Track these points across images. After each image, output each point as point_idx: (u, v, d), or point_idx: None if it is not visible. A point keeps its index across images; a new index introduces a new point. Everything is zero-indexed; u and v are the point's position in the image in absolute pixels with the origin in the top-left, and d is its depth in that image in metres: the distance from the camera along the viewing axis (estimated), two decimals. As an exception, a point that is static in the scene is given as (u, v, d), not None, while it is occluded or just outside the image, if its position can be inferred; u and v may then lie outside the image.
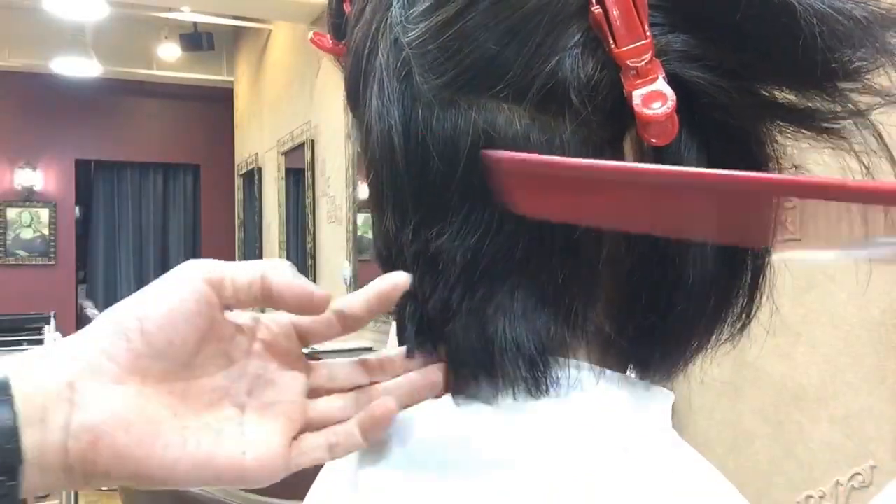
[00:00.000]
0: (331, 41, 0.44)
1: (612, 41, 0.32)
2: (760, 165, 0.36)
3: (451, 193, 0.34)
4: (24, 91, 6.39)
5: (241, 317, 0.36)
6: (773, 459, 1.74)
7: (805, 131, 0.35)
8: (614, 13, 0.32)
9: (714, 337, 0.39)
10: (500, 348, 0.34)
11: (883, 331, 1.49)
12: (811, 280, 1.61)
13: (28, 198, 6.56)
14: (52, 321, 4.26)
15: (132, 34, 6.02)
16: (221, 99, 6.79)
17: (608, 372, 0.36)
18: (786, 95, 0.34)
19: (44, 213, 6.60)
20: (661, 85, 0.32)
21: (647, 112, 0.32)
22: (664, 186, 0.29)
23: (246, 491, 1.09)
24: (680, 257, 0.35)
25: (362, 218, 3.93)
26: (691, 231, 0.31)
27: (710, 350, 0.39)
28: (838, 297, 1.58)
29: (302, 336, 0.37)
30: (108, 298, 6.91)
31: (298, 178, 4.83)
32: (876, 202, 0.27)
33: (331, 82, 4.14)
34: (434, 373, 0.36)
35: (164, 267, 7.05)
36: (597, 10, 0.32)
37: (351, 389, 0.38)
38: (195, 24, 5.64)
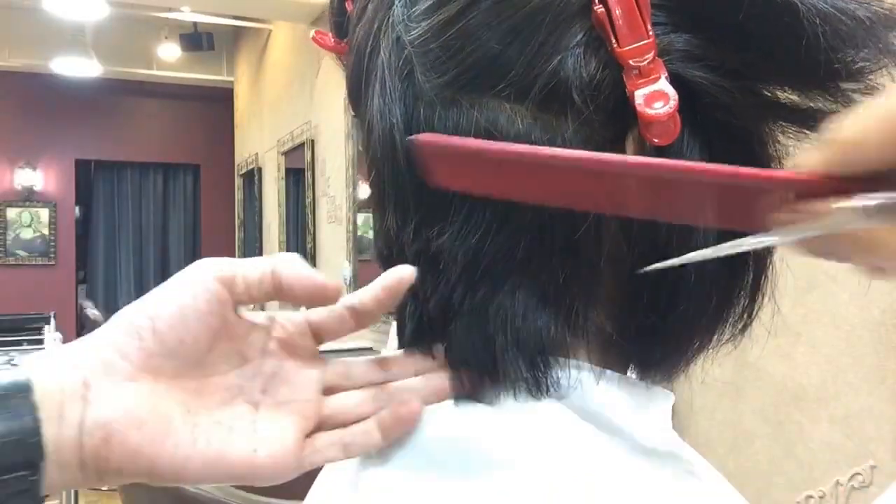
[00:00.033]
0: (333, 40, 0.44)
1: (614, 40, 0.32)
2: (763, 166, 0.36)
3: (452, 193, 0.34)
4: (24, 91, 6.39)
5: (256, 316, 0.36)
6: (774, 459, 1.74)
7: (807, 132, 0.35)
8: (617, 12, 0.32)
9: (715, 337, 0.39)
10: (501, 348, 0.34)
11: (883, 331, 1.49)
12: (812, 280, 1.61)
13: (28, 198, 6.56)
14: (52, 321, 4.26)
15: (132, 34, 6.02)
16: (221, 99, 6.79)
17: (608, 372, 0.36)
18: (788, 96, 0.34)
19: (44, 213, 6.60)
20: (664, 84, 0.32)
21: (650, 112, 0.32)
22: (541, 166, 0.30)
23: (246, 491, 1.09)
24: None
25: (362, 218, 3.93)
26: (583, 205, 0.32)
27: (711, 350, 0.39)
28: (840, 297, 1.58)
29: (316, 334, 0.37)
30: (108, 298, 6.91)
31: (298, 178, 4.83)
32: (736, 186, 0.28)
33: (331, 82, 4.14)
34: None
35: (163, 267, 7.07)
36: (599, 9, 0.32)
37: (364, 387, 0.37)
38: (195, 24, 5.64)
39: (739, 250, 0.29)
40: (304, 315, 0.37)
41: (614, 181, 0.30)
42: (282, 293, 0.35)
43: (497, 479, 0.33)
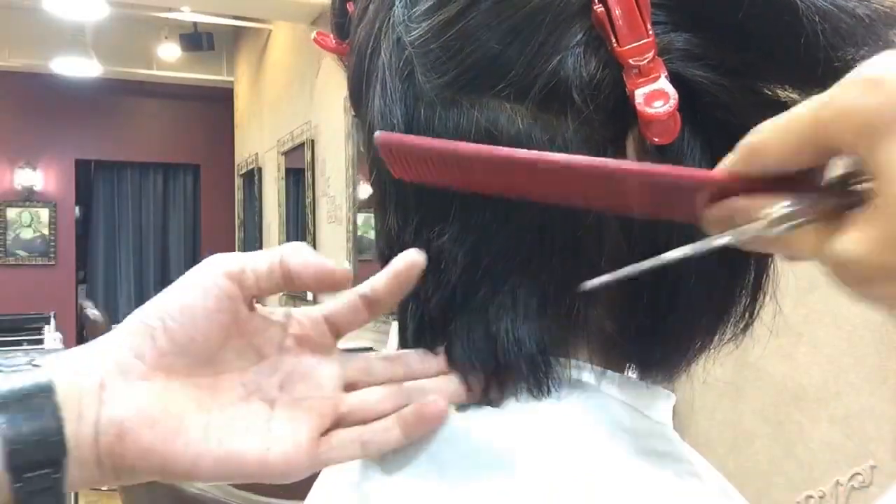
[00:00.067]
0: (334, 41, 0.44)
1: (614, 40, 0.32)
2: None
3: (452, 193, 0.34)
4: (24, 91, 6.39)
5: (272, 312, 0.36)
6: (774, 459, 1.74)
7: None
8: (617, 12, 0.32)
9: (717, 337, 0.39)
10: (502, 348, 0.34)
11: (885, 331, 1.49)
12: (814, 280, 1.61)
13: (28, 198, 6.56)
14: (52, 321, 4.26)
15: (132, 34, 6.02)
16: (221, 99, 6.79)
17: (609, 372, 0.36)
18: (788, 94, 0.34)
19: (44, 213, 6.60)
20: (664, 84, 0.32)
21: (650, 111, 0.32)
22: (476, 160, 0.31)
23: (246, 491, 1.10)
24: None
25: (362, 218, 3.93)
26: (532, 196, 0.33)
27: (713, 350, 0.39)
28: (841, 297, 1.57)
29: (333, 328, 0.37)
30: (108, 298, 6.91)
31: (298, 178, 4.83)
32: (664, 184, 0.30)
33: (331, 82, 4.14)
34: None
35: (164, 267, 7.06)
36: (599, 8, 0.32)
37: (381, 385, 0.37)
38: (195, 24, 5.64)
39: (679, 255, 0.30)
40: (320, 310, 0.37)
41: (551, 175, 0.31)
42: (291, 282, 0.34)
43: (497, 478, 0.33)
